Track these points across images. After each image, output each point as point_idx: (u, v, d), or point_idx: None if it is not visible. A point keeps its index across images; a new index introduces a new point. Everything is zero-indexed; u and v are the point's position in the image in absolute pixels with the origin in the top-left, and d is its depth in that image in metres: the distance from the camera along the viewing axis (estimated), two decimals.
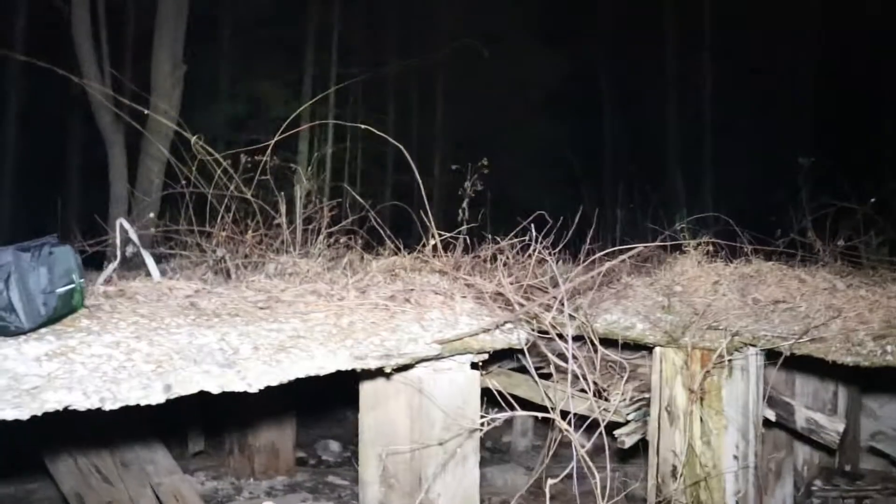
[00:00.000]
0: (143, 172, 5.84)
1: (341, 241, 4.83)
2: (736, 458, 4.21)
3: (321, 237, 4.82)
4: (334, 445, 6.46)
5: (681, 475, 4.26)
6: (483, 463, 6.07)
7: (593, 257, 3.75)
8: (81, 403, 2.34)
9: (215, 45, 12.71)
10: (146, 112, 5.34)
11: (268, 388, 3.13)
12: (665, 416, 4.32)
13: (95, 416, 4.35)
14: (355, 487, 4.87)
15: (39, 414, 2.26)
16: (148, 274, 4.09)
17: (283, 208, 4.54)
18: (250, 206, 4.81)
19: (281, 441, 5.67)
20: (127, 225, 4.26)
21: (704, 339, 4.16)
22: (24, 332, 2.59)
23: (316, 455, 6.33)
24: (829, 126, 14.39)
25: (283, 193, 4.53)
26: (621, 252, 3.69)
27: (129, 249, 4.31)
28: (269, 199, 4.88)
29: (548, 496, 3.16)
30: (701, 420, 4.23)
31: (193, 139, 4.20)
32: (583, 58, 15.96)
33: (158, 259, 4.41)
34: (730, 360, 4.14)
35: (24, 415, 2.23)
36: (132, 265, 4.57)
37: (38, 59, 5.69)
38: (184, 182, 4.72)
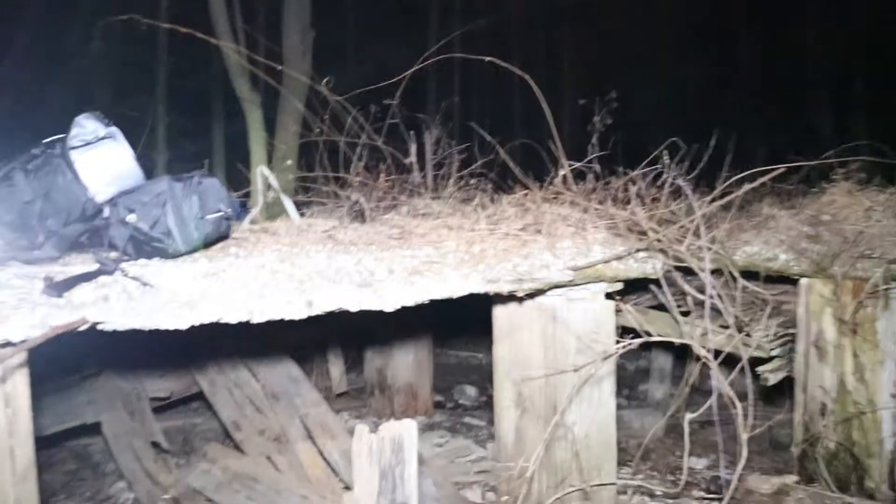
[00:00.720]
0: (281, 126, 6.12)
1: (471, 182, 4.86)
2: (894, 396, 3.95)
3: (452, 180, 4.88)
4: (470, 390, 6.58)
5: (831, 413, 4.06)
6: (620, 408, 6.01)
7: (731, 180, 3.59)
8: (231, 316, 2.49)
9: (341, 8, 13.07)
10: (279, 69, 5.57)
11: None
12: (813, 352, 4.11)
13: (249, 351, 4.64)
14: (491, 428, 4.95)
15: (196, 324, 2.43)
16: (288, 216, 4.30)
17: (413, 150, 4.62)
18: (381, 153, 4.93)
19: (419, 383, 5.83)
20: (267, 172, 4.48)
21: (856, 268, 3.90)
22: (180, 255, 2.79)
23: (453, 399, 6.47)
24: None
25: (412, 133, 4.60)
26: (761, 175, 3.50)
27: (270, 195, 4.53)
28: (400, 147, 4.98)
29: (686, 431, 3.09)
30: (854, 354, 3.99)
31: (324, 81, 4.35)
32: None
33: (297, 205, 4.60)
34: (885, 290, 3.88)
35: (182, 324, 2.40)
36: (272, 213, 4.80)
37: (180, 29, 6.06)
38: (318, 130, 4.89)
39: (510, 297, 3.32)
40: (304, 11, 8.27)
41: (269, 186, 4.35)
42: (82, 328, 2.29)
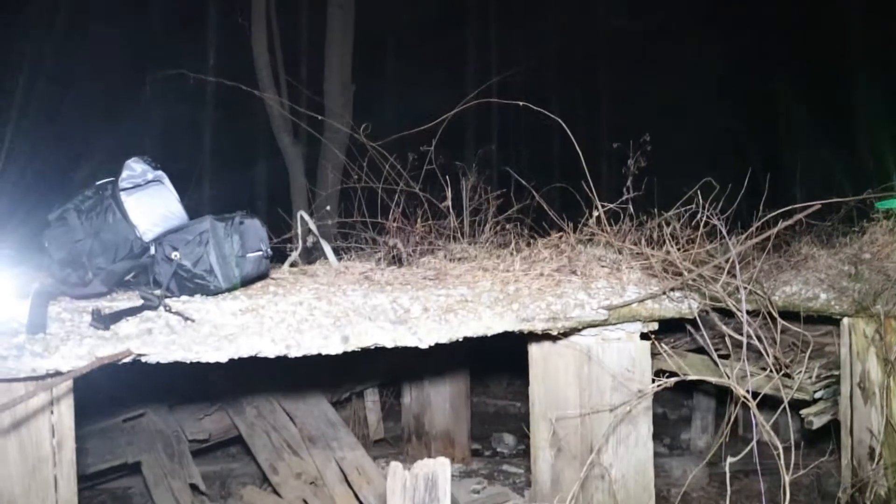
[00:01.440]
0: (321, 174, 6.30)
1: (507, 227, 4.90)
2: None
3: (488, 226, 4.93)
4: (509, 438, 6.52)
5: (879, 456, 3.95)
6: (661, 456, 5.89)
7: (766, 217, 3.57)
8: (270, 349, 2.55)
9: (381, 62, 13.46)
10: (321, 118, 5.74)
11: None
12: (858, 393, 4.02)
13: (287, 396, 4.69)
14: (529, 475, 4.90)
15: (235, 357, 2.49)
16: (326, 260, 4.38)
17: (448, 195, 4.69)
18: (419, 199, 5.02)
19: (457, 430, 5.80)
20: (307, 217, 4.58)
21: None
22: (221, 292, 2.87)
23: (491, 447, 6.42)
24: None
25: (447, 177, 4.68)
26: (796, 212, 3.48)
27: (310, 240, 4.62)
28: (438, 193, 5.06)
29: (727, 476, 3.02)
30: None
31: (362, 128, 4.47)
32: (751, 37, 15.08)
33: (336, 251, 4.69)
34: None
35: (222, 357, 2.46)
36: (312, 258, 4.90)
37: (226, 82, 6.31)
38: (356, 178, 5.00)
39: (545, 336, 3.33)
40: (346, 66, 8.57)
41: (308, 231, 4.44)
42: (126, 360, 2.36)
